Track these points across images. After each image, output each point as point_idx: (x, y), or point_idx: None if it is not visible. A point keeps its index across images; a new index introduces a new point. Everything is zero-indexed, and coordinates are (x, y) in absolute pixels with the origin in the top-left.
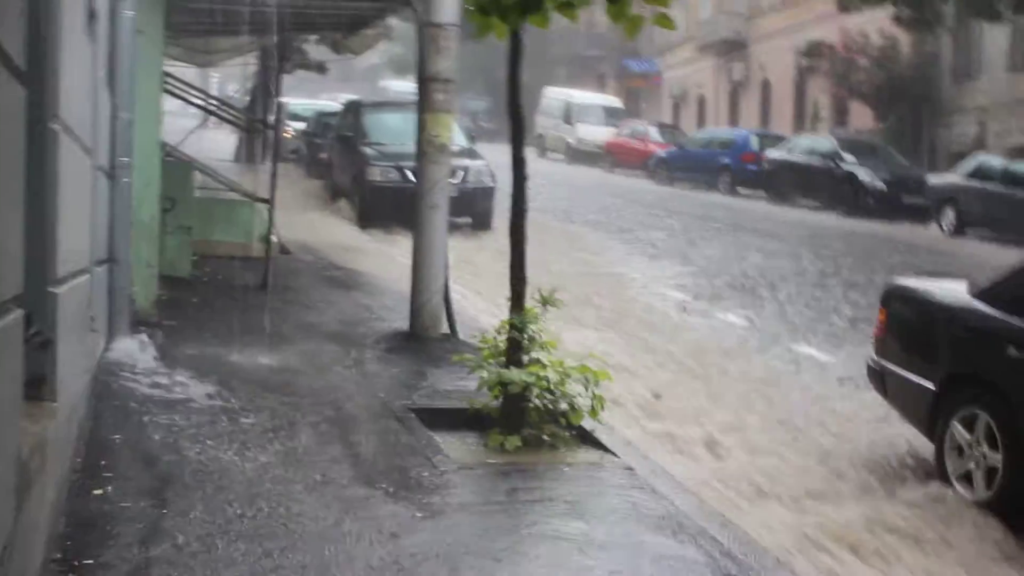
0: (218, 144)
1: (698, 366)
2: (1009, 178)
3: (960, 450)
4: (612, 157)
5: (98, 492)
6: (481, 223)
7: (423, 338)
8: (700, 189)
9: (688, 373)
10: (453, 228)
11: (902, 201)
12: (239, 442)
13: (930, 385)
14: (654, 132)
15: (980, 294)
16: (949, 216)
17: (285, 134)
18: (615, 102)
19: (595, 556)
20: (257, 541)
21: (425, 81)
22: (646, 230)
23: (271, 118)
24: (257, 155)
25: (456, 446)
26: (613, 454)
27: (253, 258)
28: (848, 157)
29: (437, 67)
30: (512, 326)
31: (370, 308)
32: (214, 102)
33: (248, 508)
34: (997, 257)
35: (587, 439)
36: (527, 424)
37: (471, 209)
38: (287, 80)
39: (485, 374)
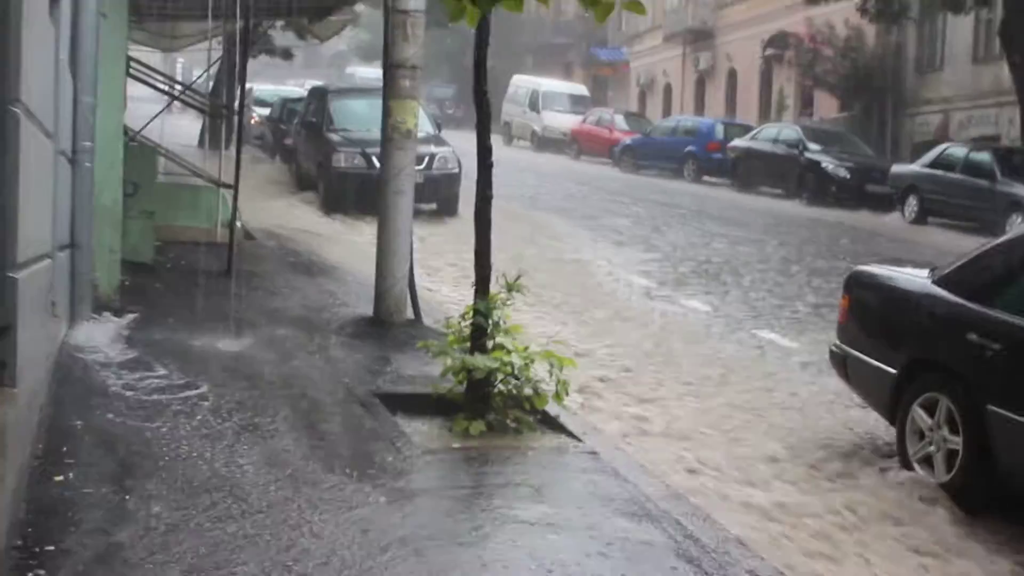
0: (183, 129)
1: (662, 351)
2: (970, 168)
3: (921, 434)
4: (578, 145)
5: (59, 478)
6: (446, 209)
7: (388, 324)
8: (666, 177)
9: (652, 358)
10: (418, 214)
11: (865, 190)
12: (202, 428)
13: (891, 370)
14: (620, 120)
15: (941, 281)
16: (912, 205)
17: (250, 120)
18: (582, 90)
19: (559, 540)
20: (220, 527)
21: (391, 68)
22: (611, 217)
23: (236, 104)
24: (222, 141)
25: (421, 431)
26: (577, 439)
27: (217, 244)
28: (813, 146)
29: (404, 54)
30: (477, 312)
31: (334, 294)
32: (179, 87)
33: (211, 494)
34: (958, 245)
35: (552, 424)
36: (492, 409)
37: (436, 195)
38: (253, 66)
39: (449, 360)
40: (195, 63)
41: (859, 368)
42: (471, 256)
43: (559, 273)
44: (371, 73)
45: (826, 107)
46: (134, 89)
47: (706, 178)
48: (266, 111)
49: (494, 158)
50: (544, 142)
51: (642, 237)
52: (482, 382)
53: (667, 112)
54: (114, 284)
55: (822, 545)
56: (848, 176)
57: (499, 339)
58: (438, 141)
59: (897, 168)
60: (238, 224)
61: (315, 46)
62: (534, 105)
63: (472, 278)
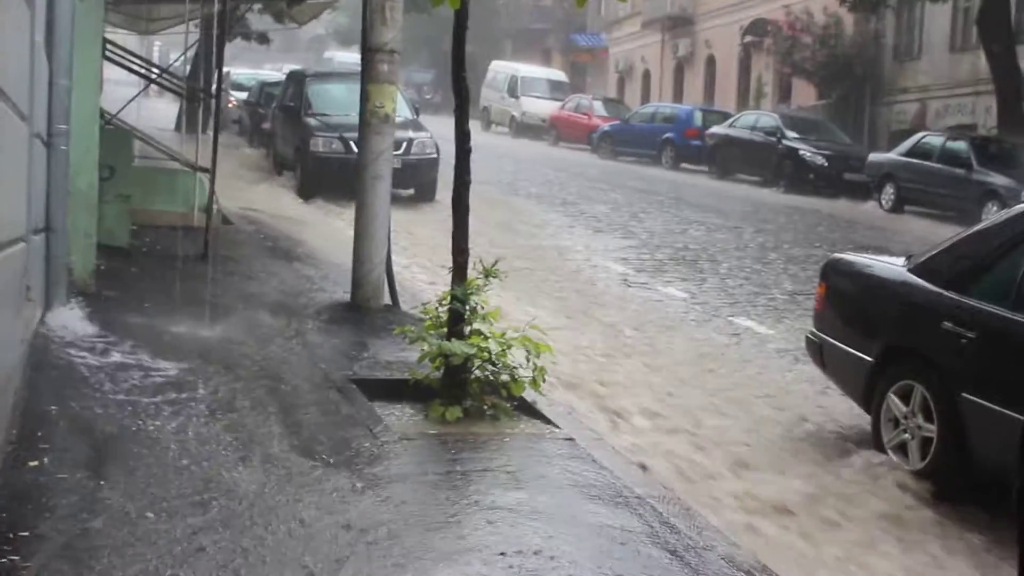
0: (159, 112)
1: (639, 338)
2: (947, 157)
3: (896, 421)
4: (557, 131)
5: (34, 464)
6: (424, 195)
7: (365, 309)
8: (644, 163)
9: (628, 345)
10: (396, 199)
11: (843, 177)
12: (178, 413)
13: (867, 358)
14: (599, 106)
15: (916, 269)
16: (888, 193)
17: (228, 104)
18: (560, 76)
19: (535, 526)
20: (195, 513)
21: (370, 52)
22: (589, 203)
23: (213, 87)
24: (199, 124)
25: (397, 417)
26: (554, 425)
27: (193, 228)
28: (790, 134)
29: (382, 38)
30: (454, 297)
31: (311, 279)
32: (155, 70)
33: (186, 480)
34: (934, 233)
35: (528, 410)
36: (468, 395)
37: (415, 181)
38: (230, 50)
39: (426, 345)
40: (172, 46)
41: (835, 356)
42: (449, 242)
43: (537, 259)
44: (349, 57)
45: (804, 95)
46: (110, 72)
47: (684, 165)
48: (244, 95)
49: (472, 144)
50: (522, 128)
51: (620, 224)
52: (459, 368)
53: (646, 99)
54: (89, 268)
55: (797, 530)
56: (826, 164)
57: (476, 325)
58: (416, 126)
59: (874, 156)
60: (215, 208)
61: (293, 30)
62: (513, 91)
63: (449, 264)
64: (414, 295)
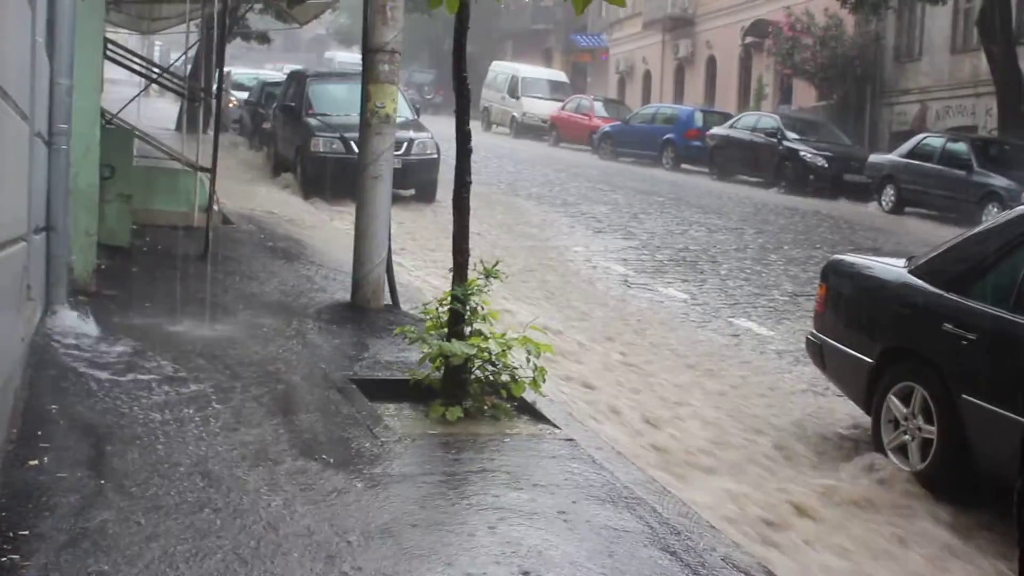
0: (160, 112)
1: (639, 339)
2: (947, 158)
3: (896, 423)
4: (557, 131)
5: (34, 463)
6: (425, 195)
7: (365, 309)
8: (644, 164)
9: (629, 346)
10: (397, 200)
11: (843, 179)
12: (178, 413)
13: (867, 359)
14: (599, 107)
15: (917, 271)
16: (889, 194)
17: (229, 104)
18: (561, 76)
19: (535, 527)
20: (195, 513)
21: (370, 52)
22: (590, 204)
23: (214, 87)
24: (199, 124)
25: (397, 417)
26: (554, 425)
27: (194, 228)
28: (791, 135)
29: (383, 38)
30: (454, 298)
31: (312, 279)
32: (156, 70)
33: (187, 480)
34: (934, 235)
35: (528, 411)
36: (468, 395)
37: (415, 181)
38: (231, 50)
39: (427, 346)
40: (173, 46)
41: (835, 357)
42: (449, 242)
43: (537, 259)
44: (350, 57)
45: (805, 96)
46: (111, 71)
47: (684, 166)
48: (244, 95)
49: (473, 144)
50: (523, 128)
51: (620, 225)
52: (459, 368)
53: (646, 99)
54: (90, 268)
55: (797, 531)
56: (826, 165)
57: (476, 325)
58: (417, 126)
59: (875, 158)
60: (215, 208)
61: (294, 30)
62: (513, 91)
63: (450, 264)
64: (414, 295)
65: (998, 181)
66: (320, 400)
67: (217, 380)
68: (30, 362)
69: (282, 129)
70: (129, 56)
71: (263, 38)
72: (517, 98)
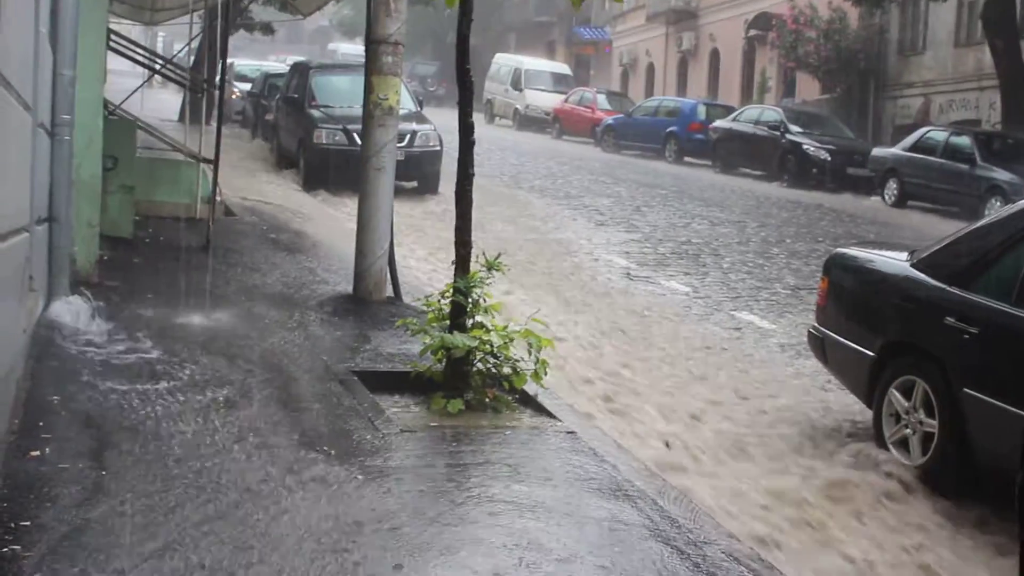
0: (163, 103)
1: (641, 332)
2: (950, 152)
3: (897, 417)
4: (560, 124)
5: (35, 453)
6: (427, 187)
7: (367, 301)
8: (647, 157)
9: (631, 339)
10: (399, 192)
11: (846, 172)
12: (179, 404)
13: (869, 353)
14: (602, 99)
15: (920, 264)
16: (892, 188)
17: (232, 95)
18: (564, 69)
19: (536, 519)
20: (196, 504)
21: (373, 43)
22: (592, 197)
23: (217, 78)
24: (202, 115)
25: (399, 409)
26: (556, 418)
27: (196, 219)
28: (794, 128)
29: (386, 30)
30: (456, 290)
31: (314, 271)
32: (159, 61)
33: (188, 471)
34: (937, 228)
35: (530, 403)
36: (470, 388)
37: (418, 173)
38: (235, 41)
39: (428, 338)
40: (176, 37)
41: (837, 350)
42: (451, 234)
43: (540, 253)
44: (353, 49)
45: (808, 89)
46: (114, 62)
47: (687, 159)
48: (247, 86)
49: (476, 136)
50: (526, 121)
51: (623, 217)
52: (461, 360)
53: (649, 92)
54: (93, 259)
55: (799, 524)
56: (829, 158)
57: (478, 318)
58: (420, 118)
59: (878, 151)
60: (218, 199)
61: (297, 21)
62: (516, 84)
63: (452, 256)
64: (416, 287)
65: (1001, 175)
66: (322, 392)
67: (219, 372)
68: (32, 353)
69: (285, 121)
70: (132, 47)
71: (266, 29)
72: (520, 90)
